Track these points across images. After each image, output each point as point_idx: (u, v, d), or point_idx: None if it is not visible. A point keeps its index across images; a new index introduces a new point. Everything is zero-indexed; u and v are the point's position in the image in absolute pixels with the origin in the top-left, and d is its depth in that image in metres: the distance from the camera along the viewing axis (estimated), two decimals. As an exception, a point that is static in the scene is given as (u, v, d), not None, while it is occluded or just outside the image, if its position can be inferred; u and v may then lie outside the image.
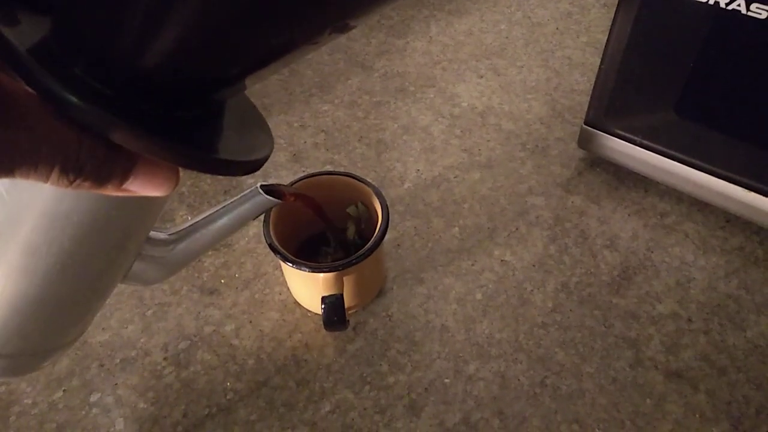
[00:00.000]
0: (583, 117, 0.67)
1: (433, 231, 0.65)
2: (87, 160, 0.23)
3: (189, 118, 0.25)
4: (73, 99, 0.21)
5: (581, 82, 0.78)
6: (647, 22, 0.55)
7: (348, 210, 0.58)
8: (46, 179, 0.22)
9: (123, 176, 0.24)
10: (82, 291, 0.34)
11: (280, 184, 0.49)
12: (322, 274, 0.52)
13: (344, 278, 0.52)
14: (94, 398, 0.55)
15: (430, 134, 0.74)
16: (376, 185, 0.56)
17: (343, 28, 0.22)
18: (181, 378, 0.55)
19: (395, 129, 0.75)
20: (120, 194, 0.25)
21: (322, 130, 0.76)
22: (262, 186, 0.46)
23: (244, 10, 0.20)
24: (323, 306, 0.51)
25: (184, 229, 0.43)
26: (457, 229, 0.65)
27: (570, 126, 0.74)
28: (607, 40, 0.59)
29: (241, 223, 0.45)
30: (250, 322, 0.59)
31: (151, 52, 0.21)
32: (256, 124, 0.32)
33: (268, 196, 0.45)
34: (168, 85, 0.23)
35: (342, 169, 0.70)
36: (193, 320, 0.59)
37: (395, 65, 0.83)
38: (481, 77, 0.80)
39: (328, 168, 0.71)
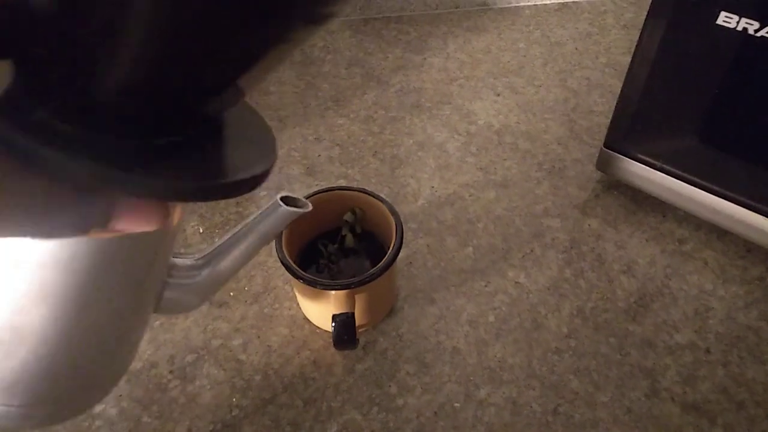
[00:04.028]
0: (602, 139, 0.67)
1: (446, 250, 0.64)
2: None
3: (177, 143, 0.23)
4: (29, 146, 0.19)
5: (600, 104, 0.78)
6: (673, 46, 0.55)
7: (345, 217, 0.58)
8: (20, 236, 0.21)
9: (103, 219, 0.22)
10: (108, 334, 0.33)
11: (297, 198, 0.48)
12: (333, 292, 0.51)
13: (356, 296, 0.51)
14: (97, 410, 0.54)
15: (445, 151, 0.73)
16: (389, 201, 0.55)
17: (318, 19, 0.21)
18: (187, 392, 0.55)
19: (410, 145, 0.74)
20: (108, 236, 0.23)
21: (337, 144, 0.75)
22: (282, 198, 0.45)
23: (200, 16, 0.18)
24: (334, 324, 0.50)
25: (210, 252, 0.42)
26: (470, 248, 0.64)
27: (587, 147, 0.73)
28: (631, 62, 0.58)
29: (267, 239, 0.44)
30: (258, 337, 0.58)
31: (115, 77, 0.20)
32: (257, 132, 0.31)
33: (293, 208, 0.45)
34: (141, 112, 0.22)
35: (355, 184, 0.69)
36: (201, 333, 0.59)
37: (412, 81, 0.82)
38: (499, 95, 0.80)
39: (342, 183, 0.70)
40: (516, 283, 0.61)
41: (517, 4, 0.93)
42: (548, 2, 0.93)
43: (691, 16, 0.53)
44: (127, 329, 0.34)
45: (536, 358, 0.55)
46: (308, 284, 0.51)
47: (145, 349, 0.58)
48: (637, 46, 0.56)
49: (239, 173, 0.25)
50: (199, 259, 0.41)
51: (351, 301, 0.51)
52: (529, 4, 0.93)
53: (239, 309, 0.60)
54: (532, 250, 0.63)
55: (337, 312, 0.50)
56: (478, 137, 0.75)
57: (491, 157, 0.72)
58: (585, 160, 0.71)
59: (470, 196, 0.69)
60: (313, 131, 0.77)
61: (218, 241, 0.43)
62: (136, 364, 0.57)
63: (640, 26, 0.89)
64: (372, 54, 0.87)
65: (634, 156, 0.62)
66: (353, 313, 0.50)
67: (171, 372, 0.56)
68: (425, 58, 0.85)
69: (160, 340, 0.58)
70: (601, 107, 0.77)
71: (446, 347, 0.56)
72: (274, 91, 0.82)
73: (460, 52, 0.86)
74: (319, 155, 0.74)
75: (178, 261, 0.40)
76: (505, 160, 0.72)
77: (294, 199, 0.46)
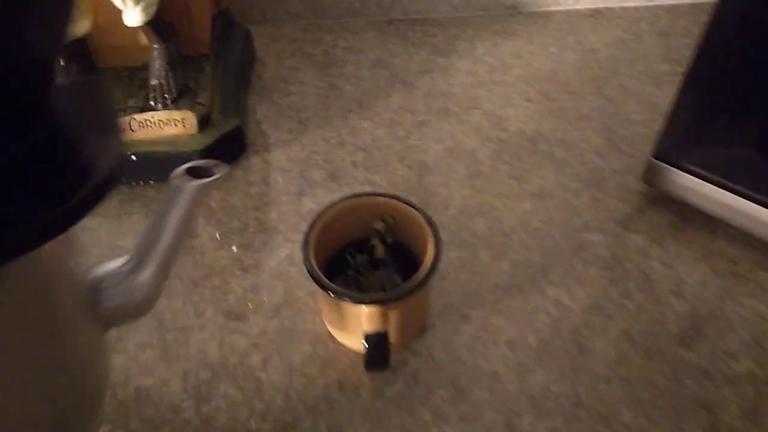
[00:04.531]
0: (642, 149, 0.63)
1: (480, 263, 0.60)
2: None
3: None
4: None
5: (638, 112, 0.74)
6: (734, 54, 0.51)
7: (375, 225, 0.53)
8: None
9: None
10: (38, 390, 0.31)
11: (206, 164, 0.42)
12: (366, 307, 0.46)
13: (389, 312, 0.47)
14: (104, 430, 0.49)
15: (476, 158, 0.69)
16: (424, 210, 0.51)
17: None
18: (201, 413, 0.50)
19: (439, 151, 0.70)
20: None
21: (361, 149, 0.71)
22: (189, 169, 0.40)
23: None
24: (366, 344, 0.46)
25: (136, 249, 0.39)
26: (506, 263, 0.59)
27: (627, 158, 0.68)
28: (688, 69, 0.54)
29: (190, 218, 0.40)
30: (279, 353, 0.54)
31: None
32: (99, 125, 0.27)
33: (204, 180, 0.40)
34: None
35: (382, 191, 0.65)
36: (217, 348, 0.54)
37: (438, 84, 0.78)
38: (530, 101, 0.75)
39: (367, 189, 0.66)
40: (557, 301, 0.56)
41: (547, 9, 0.89)
42: (580, 8, 0.89)
43: (758, 20, 0.49)
44: (68, 364, 0.32)
45: (583, 387, 0.51)
46: (338, 298, 0.46)
47: (156, 363, 0.53)
48: (695, 51, 0.52)
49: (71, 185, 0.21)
50: (126, 260, 0.39)
51: (385, 318, 0.47)
52: (560, 9, 0.89)
53: (258, 322, 0.56)
54: (572, 267, 0.59)
55: (369, 329, 0.46)
56: (510, 144, 0.70)
57: (525, 165, 0.68)
58: (625, 171, 0.67)
59: (504, 206, 0.64)
60: (335, 134, 0.73)
61: (140, 236, 0.40)
62: (146, 381, 0.52)
63: (676, 33, 0.86)
64: (397, 56, 0.83)
65: (686, 168, 0.58)
66: (387, 333, 0.46)
67: (184, 390, 0.52)
68: (452, 62, 0.81)
69: (172, 354, 0.54)
70: (639, 116, 0.73)
71: (484, 371, 0.52)
72: (294, 92, 0.78)
73: (489, 56, 0.82)
74: (342, 160, 0.70)
75: (108, 267, 0.39)
76: (540, 169, 0.68)
77: (202, 168, 0.41)
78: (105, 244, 0.63)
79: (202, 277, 0.60)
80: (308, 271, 0.48)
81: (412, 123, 0.74)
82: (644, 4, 0.90)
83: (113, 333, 0.55)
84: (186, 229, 0.40)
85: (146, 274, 0.39)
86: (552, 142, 0.71)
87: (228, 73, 0.72)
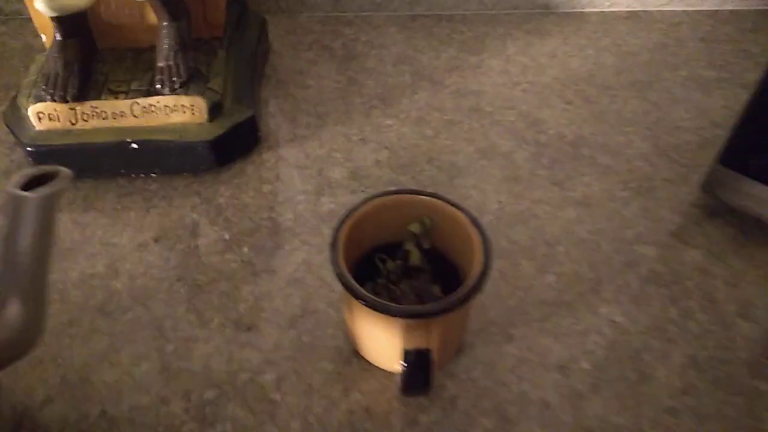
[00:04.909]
0: (692, 157, 0.57)
1: (522, 276, 0.53)
2: None
3: None
4: None
5: (686, 119, 0.68)
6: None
7: (410, 228, 0.47)
8: None
9: None
10: None
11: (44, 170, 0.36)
12: (406, 321, 0.40)
13: (432, 328, 0.40)
14: (90, 456, 0.42)
15: (512, 161, 0.63)
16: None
17: None
18: (206, 439, 0.43)
19: (471, 152, 0.64)
20: None
21: (386, 147, 0.65)
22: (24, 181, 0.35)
23: None
24: (405, 363, 0.39)
25: None
26: (552, 276, 0.53)
27: (678, 167, 0.62)
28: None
29: (45, 237, 0.35)
30: (296, 371, 0.47)
31: None
32: None
33: (46, 191, 0.34)
34: None
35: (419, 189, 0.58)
36: (225, 363, 0.47)
37: (469, 83, 0.72)
38: (569, 103, 0.70)
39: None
40: (611, 321, 0.50)
41: (582, 10, 0.83)
42: (616, 10, 0.84)
43: None
44: None
45: (647, 419, 0.44)
46: (375, 308, 0.40)
47: (154, 379, 0.46)
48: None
49: None
50: None
51: (427, 333, 0.40)
52: (595, 10, 0.84)
53: (272, 335, 0.49)
54: (626, 283, 0.53)
55: (409, 346, 0.39)
56: (549, 148, 0.64)
57: (567, 171, 0.62)
58: (677, 180, 0.61)
59: (546, 214, 0.58)
60: (357, 131, 0.66)
61: None
62: (141, 399, 0.45)
63: (719, 40, 0.80)
64: (422, 52, 0.77)
65: (757, 175, 0.51)
66: (430, 350, 0.39)
67: (186, 411, 0.45)
68: (483, 60, 0.75)
69: (173, 369, 0.47)
70: (688, 123, 0.67)
71: (532, 398, 0.45)
72: (312, 85, 0.72)
73: (522, 55, 0.76)
74: (365, 158, 0.63)
75: None
76: (583, 175, 0.62)
77: (42, 176, 0.35)
78: (98, 242, 0.56)
79: (209, 281, 0.53)
80: (338, 276, 0.41)
81: (441, 122, 0.67)
82: (683, 8, 0.84)
83: (104, 342, 0.49)
84: (44, 249, 0.35)
85: (13, 310, 0.34)
86: (595, 147, 0.64)
87: (242, 60, 0.66)
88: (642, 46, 0.78)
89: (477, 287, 0.40)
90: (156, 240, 0.56)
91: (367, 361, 0.47)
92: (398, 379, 0.44)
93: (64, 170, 0.36)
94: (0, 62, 0.74)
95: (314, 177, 0.62)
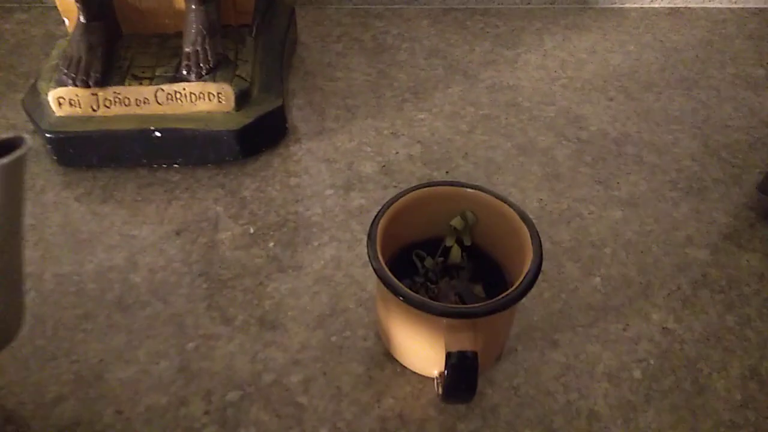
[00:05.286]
0: (744, 158, 0.54)
1: (566, 279, 0.50)
2: None
3: None
4: None
5: (736, 118, 0.64)
6: None
7: (452, 223, 0.44)
8: None
9: None
10: None
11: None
12: (450, 320, 0.36)
13: (478, 330, 0.37)
14: (104, 459, 0.39)
15: (552, 158, 0.60)
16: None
17: None
18: (228, 444, 0.40)
19: (508, 148, 0.61)
20: None
21: (418, 141, 0.62)
22: None
23: None
24: (448, 367, 0.36)
25: None
26: (598, 279, 0.50)
27: (729, 167, 0.59)
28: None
29: (11, 211, 0.32)
30: (325, 374, 0.44)
31: None
32: None
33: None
34: None
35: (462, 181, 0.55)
36: (248, 363, 0.44)
37: (505, 77, 0.69)
38: (611, 100, 0.66)
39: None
40: (663, 328, 0.46)
41: (621, 5, 0.80)
42: (657, 5, 0.80)
43: None
44: None
45: (705, 434, 0.41)
46: (416, 307, 0.36)
47: (173, 378, 0.43)
48: None
49: None
50: None
51: (473, 335, 0.36)
52: (635, 6, 0.80)
53: (299, 334, 0.46)
54: (678, 287, 0.49)
55: (452, 349, 0.36)
56: (591, 145, 0.61)
57: (611, 169, 0.59)
58: (729, 181, 0.57)
59: (590, 213, 0.55)
60: (388, 124, 0.63)
61: None
62: (159, 399, 0.42)
63: (767, 37, 0.77)
64: (455, 46, 0.74)
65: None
66: (476, 354, 0.36)
67: (206, 413, 0.41)
68: (519, 54, 0.72)
69: (193, 369, 0.44)
70: (738, 122, 0.64)
71: (580, 409, 0.42)
72: (341, 77, 0.69)
73: (560, 50, 0.73)
74: (397, 152, 0.60)
75: None
76: (628, 174, 0.58)
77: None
78: (116, 233, 0.53)
79: (232, 277, 0.50)
80: (375, 270, 0.38)
81: (476, 116, 0.64)
82: (728, 5, 0.81)
83: (121, 338, 0.46)
84: (11, 225, 0.32)
85: None
86: (640, 145, 0.61)
87: (270, 49, 0.63)
88: (686, 42, 0.75)
89: (530, 285, 0.36)
90: (177, 233, 0.53)
91: (401, 364, 0.44)
92: (437, 385, 0.41)
93: (24, 137, 0.32)
94: (21, 50, 0.72)
95: (343, 171, 0.59)
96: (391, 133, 0.62)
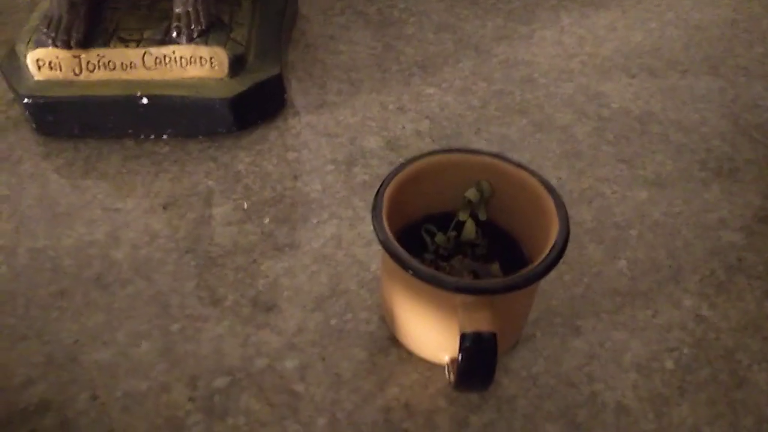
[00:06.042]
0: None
1: (588, 261, 0.45)
2: None
3: None
4: None
5: (767, 98, 0.60)
6: None
7: (466, 194, 0.39)
8: None
9: None
10: None
11: None
12: (465, 297, 0.32)
13: (496, 309, 0.33)
14: (74, 450, 0.35)
15: (572, 136, 0.55)
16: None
17: None
18: (213, 435, 0.36)
19: (524, 125, 0.56)
20: None
21: (426, 117, 0.57)
22: None
23: None
24: (462, 350, 0.31)
25: None
26: (624, 262, 0.45)
27: (762, 147, 0.55)
28: None
29: None
30: (323, 359, 0.39)
31: None
32: None
33: None
34: None
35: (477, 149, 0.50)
36: (239, 346, 0.40)
37: (519, 53, 0.65)
38: (633, 77, 0.62)
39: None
40: (697, 315, 0.42)
41: (640, -17, 0.76)
42: (678, -16, 0.76)
43: None
44: None
45: (746, 430, 0.36)
46: (427, 282, 0.32)
47: (154, 362, 0.39)
48: None
49: None
50: None
51: (490, 315, 0.32)
52: (654, -17, 0.76)
53: (295, 317, 0.42)
54: (712, 272, 0.45)
55: (468, 330, 0.32)
56: (613, 123, 0.57)
57: (635, 148, 0.54)
58: (762, 162, 0.53)
59: (613, 193, 0.50)
60: (395, 99, 0.59)
61: None
62: (139, 384, 0.38)
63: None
64: (466, 20, 0.69)
65: None
66: (495, 335, 0.32)
67: (191, 400, 0.37)
68: (534, 30, 0.68)
69: (178, 352, 0.40)
70: (769, 102, 0.59)
71: (606, 402, 0.37)
72: (344, 51, 0.65)
73: (578, 26, 0.69)
74: (404, 127, 0.56)
75: None
76: (654, 153, 0.54)
77: None
78: (98, 207, 0.49)
79: (223, 254, 0.46)
80: (381, 242, 0.34)
81: (489, 92, 0.60)
82: (753, -15, 0.77)
83: (99, 318, 0.41)
84: None
85: None
86: (666, 124, 0.57)
87: (269, 13, 0.59)
88: (710, 21, 0.71)
89: (557, 258, 0.32)
90: (164, 207, 0.49)
91: (408, 350, 0.39)
92: (447, 372, 0.37)
93: None
94: (4, 17, 0.68)
95: (345, 146, 0.54)
96: (398, 108, 0.58)
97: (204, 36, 0.51)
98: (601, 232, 0.47)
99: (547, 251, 0.33)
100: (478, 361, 0.32)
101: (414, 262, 0.33)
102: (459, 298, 0.32)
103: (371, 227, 0.36)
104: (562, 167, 0.52)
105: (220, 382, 0.38)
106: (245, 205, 0.49)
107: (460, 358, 0.31)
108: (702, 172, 0.52)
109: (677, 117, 0.57)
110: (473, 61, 0.64)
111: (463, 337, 0.31)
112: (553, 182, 0.51)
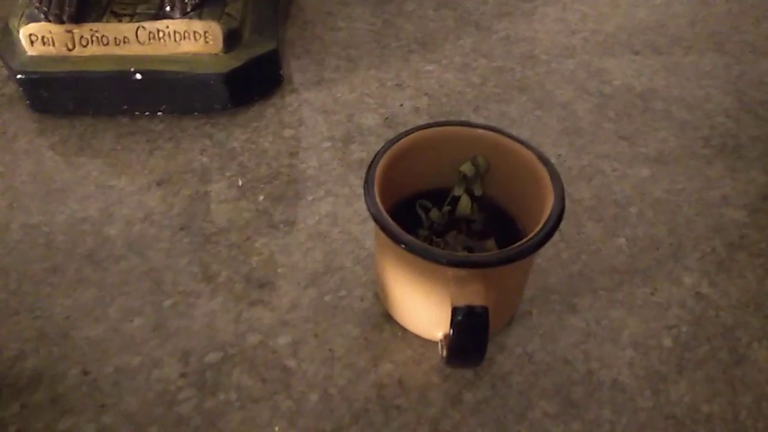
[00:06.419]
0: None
1: (587, 239, 0.45)
2: None
3: None
4: None
5: (772, 74, 0.59)
6: None
7: (461, 169, 0.38)
8: None
9: None
10: None
11: None
12: (457, 270, 0.32)
13: (489, 284, 0.32)
14: (65, 425, 0.35)
15: (572, 113, 0.54)
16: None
17: None
18: (204, 409, 0.35)
19: (524, 102, 0.56)
20: None
21: (425, 94, 0.56)
22: None
23: None
24: (454, 324, 0.31)
25: None
26: (623, 240, 0.45)
27: (767, 124, 0.54)
28: None
29: None
30: (316, 335, 0.39)
31: None
32: None
33: None
34: None
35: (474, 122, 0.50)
36: (232, 322, 0.40)
37: (520, 29, 0.64)
38: (637, 54, 0.61)
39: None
40: (697, 293, 0.41)
41: (646, -42, 0.75)
42: (684, -40, 0.75)
43: None
44: None
45: (745, 408, 0.36)
46: (418, 255, 0.32)
47: (147, 338, 0.39)
48: None
49: None
50: None
51: (482, 288, 0.32)
52: (660, -41, 0.75)
53: (289, 293, 0.41)
54: (713, 249, 0.44)
55: (459, 303, 0.31)
56: (615, 100, 0.56)
57: (637, 125, 0.53)
58: (767, 138, 0.52)
59: (614, 171, 0.49)
60: (393, 76, 0.58)
61: None
62: (130, 359, 0.38)
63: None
64: (467, -3, 0.68)
65: None
66: (487, 309, 0.31)
67: (183, 376, 0.37)
68: (536, 7, 0.67)
69: (169, 327, 0.39)
70: (775, 79, 0.58)
71: (602, 379, 0.37)
72: (343, 27, 0.64)
73: (580, 3, 0.68)
74: (402, 104, 0.55)
75: None
76: (656, 130, 0.53)
77: None
78: (92, 183, 0.48)
79: (217, 231, 0.45)
80: (374, 217, 0.33)
81: (489, 69, 0.59)
82: (761, -39, 0.75)
83: (91, 294, 0.41)
84: None
85: None
86: (669, 101, 0.56)
87: (265, -10, 0.58)
88: (716, -3, 0.69)
89: (551, 232, 0.32)
90: (159, 183, 0.48)
91: (402, 327, 0.39)
92: (441, 348, 0.36)
93: None
94: (1, -6, 0.67)
95: (343, 123, 0.54)
96: (396, 84, 0.57)
97: (198, 10, 0.50)
98: (600, 210, 0.47)
99: (541, 225, 0.32)
100: (470, 335, 0.31)
101: (406, 236, 0.32)
102: (451, 271, 0.32)
103: (364, 202, 0.35)
104: (561, 144, 0.52)
105: (212, 357, 0.38)
106: (240, 183, 0.49)
107: (451, 332, 0.31)
108: (705, 149, 0.51)
109: (681, 94, 0.56)
110: (474, 37, 0.63)
111: (455, 311, 0.31)
112: (553, 159, 0.50)
